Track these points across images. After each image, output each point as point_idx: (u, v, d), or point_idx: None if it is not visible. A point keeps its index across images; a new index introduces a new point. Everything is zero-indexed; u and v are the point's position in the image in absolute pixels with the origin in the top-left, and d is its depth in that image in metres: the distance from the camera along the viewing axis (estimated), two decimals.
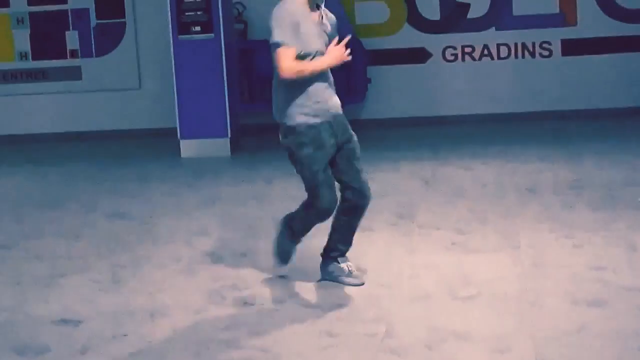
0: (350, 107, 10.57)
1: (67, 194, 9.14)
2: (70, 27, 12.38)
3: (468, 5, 11.97)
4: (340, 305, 5.60)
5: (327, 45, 5.73)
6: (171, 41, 10.70)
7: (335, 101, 5.83)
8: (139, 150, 11.43)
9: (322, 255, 6.09)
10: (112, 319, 5.57)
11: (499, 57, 12.01)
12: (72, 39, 12.40)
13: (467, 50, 12.04)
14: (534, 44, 11.95)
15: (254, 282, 6.13)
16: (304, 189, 5.83)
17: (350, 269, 6.02)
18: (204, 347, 5.09)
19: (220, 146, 10.76)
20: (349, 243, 6.06)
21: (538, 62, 11.97)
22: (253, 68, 11.60)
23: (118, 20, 12.32)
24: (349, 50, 5.70)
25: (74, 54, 12.44)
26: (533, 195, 8.00)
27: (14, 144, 12.27)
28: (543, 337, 4.94)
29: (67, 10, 12.36)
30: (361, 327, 5.23)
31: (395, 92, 12.10)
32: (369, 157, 9.92)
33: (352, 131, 5.87)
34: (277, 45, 5.60)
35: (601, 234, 6.73)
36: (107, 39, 12.35)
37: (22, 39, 12.46)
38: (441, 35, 12.04)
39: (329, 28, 5.81)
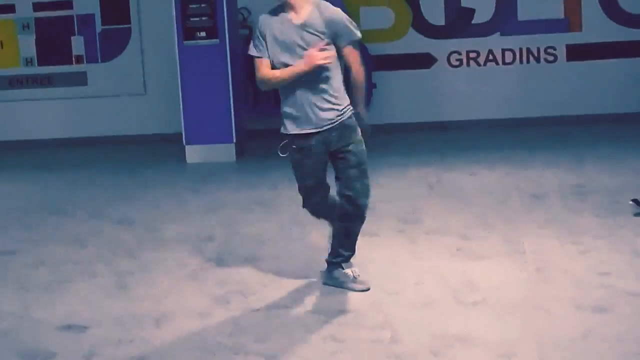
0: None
1: (73, 200, 9.16)
2: (76, 33, 12.41)
3: (473, 11, 11.98)
4: (345, 311, 5.60)
5: (308, 47, 5.69)
6: (176, 47, 10.72)
7: (324, 113, 5.74)
8: (144, 155, 11.45)
9: (326, 261, 6.10)
10: (117, 325, 5.58)
11: (504, 63, 12.02)
12: (77, 44, 12.43)
13: (472, 55, 12.05)
14: (539, 49, 11.96)
15: (259, 287, 6.13)
16: None
17: (355, 274, 6.02)
18: (210, 353, 5.09)
19: (226, 151, 10.78)
20: (350, 249, 6.06)
21: (543, 67, 11.97)
22: None
23: (123, 26, 12.35)
24: (325, 54, 5.62)
25: (79, 59, 12.47)
26: (538, 201, 8.00)
27: (20, 149, 12.30)
28: (548, 343, 4.94)
29: (72, 16, 12.39)
30: (366, 333, 5.24)
31: (400, 97, 12.11)
32: (374, 162, 9.90)
33: (356, 138, 5.81)
34: (252, 57, 5.83)
35: (606, 240, 6.73)
36: (112, 44, 12.38)
37: (28, 45, 12.49)
38: (446, 40, 12.05)
39: (315, 28, 5.71)
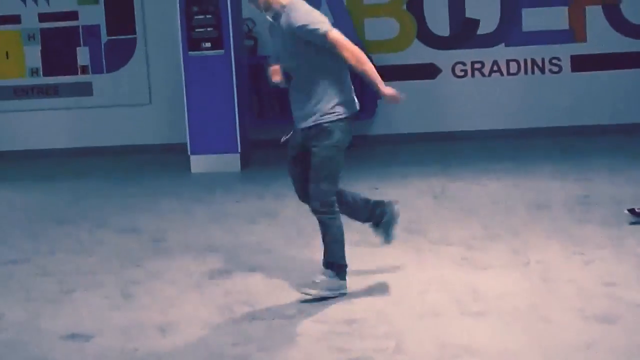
0: (360, 122, 10.60)
1: (78, 210, 9.17)
2: (81, 43, 12.43)
3: (478, 22, 11.99)
4: (350, 321, 5.60)
5: (292, 55, 5.87)
6: (181, 57, 10.74)
7: (300, 114, 5.96)
8: (150, 165, 11.46)
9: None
10: (122, 334, 5.58)
11: (508, 73, 12.02)
12: (83, 55, 12.45)
13: (477, 66, 12.06)
14: (543, 60, 11.96)
15: (264, 297, 6.14)
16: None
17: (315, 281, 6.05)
18: None
19: (231, 161, 10.78)
20: (327, 254, 6.06)
21: (548, 78, 11.98)
22: (263, 84, 11.62)
23: (129, 37, 12.37)
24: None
25: (84, 70, 12.49)
26: (543, 211, 8.00)
27: (25, 159, 12.31)
28: (553, 353, 4.94)
29: (78, 27, 12.41)
30: (371, 343, 5.23)
31: (405, 107, 12.06)
32: (379, 172, 9.99)
33: (323, 143, 5.86)
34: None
35: (611, 250, 6.73)
36: (117, 55, 12.40)
37: (33, 55, 12.51)
38: (451, 51, 12.05)
39: (290, 35, 5.85)
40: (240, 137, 10.76)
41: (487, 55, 12.01)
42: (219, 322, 5.73)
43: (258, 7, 5.97)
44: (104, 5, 12.33)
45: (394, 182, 9.35)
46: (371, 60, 11.76)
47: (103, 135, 12.49)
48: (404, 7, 12.07)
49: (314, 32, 5.74)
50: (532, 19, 11.90)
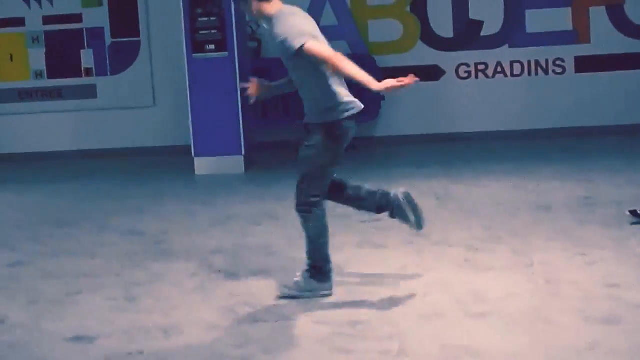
0: (364, 124, 10.62)
1: (82, 212, 9.19)
2: (86, 46, 12.47)
3: (481, 23, 12.00)
4: (353, 322, 5.61)
5: (286, 61, 5.95)
6: (185, 59, 10.76)
7: (305, 111, 6.08)
8: (154, 167, 11.48)
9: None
10: (126, 336, 5.59)
11: (512, 75, 12.03)
12: (87, 57, 12.49)
13: (481, 67, 12.07)
14: (547, 61, 11.97)
15: (267, 299, 6.14)
16: None
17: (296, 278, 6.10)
18: None
19: (235, 164, 10.80)
20: (310, 256, 6.08)
21: (551, 79, 11.98)
22: None
23: (133, 39, 12.40)
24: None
25: (89, 72, 12.52)
26: (546, 213, 8.00)
27: (29, 161, 12.34)
28: (555, 354, 4.94)
29: (82, 29, 12.45)
30: (374, 344, 5.24)
31: (408, 109, 12.12)
32: (382, 173, 9.99)
33: (304, 143, 5.98)
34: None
35: (614, 252, 6.72)
36: (122, 57, 12.43)
37: (38, 58, 12.55)
38: (454, 52, 12.07)
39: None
40: (244, 139, 10.77)
41: (491, 56, 12.02)
42: (222, 323, 5.74)
43: (252, 16, 6.21)
44: (108, 7, 12.37)
45: (397, 184, 9.31)
46: (374, 62, 11.77)
47: (107, 138, 12.52)
48: (408, 8, 12.08)
49: (290, 49, 5.80)
50: (536, 21, 11.91)
